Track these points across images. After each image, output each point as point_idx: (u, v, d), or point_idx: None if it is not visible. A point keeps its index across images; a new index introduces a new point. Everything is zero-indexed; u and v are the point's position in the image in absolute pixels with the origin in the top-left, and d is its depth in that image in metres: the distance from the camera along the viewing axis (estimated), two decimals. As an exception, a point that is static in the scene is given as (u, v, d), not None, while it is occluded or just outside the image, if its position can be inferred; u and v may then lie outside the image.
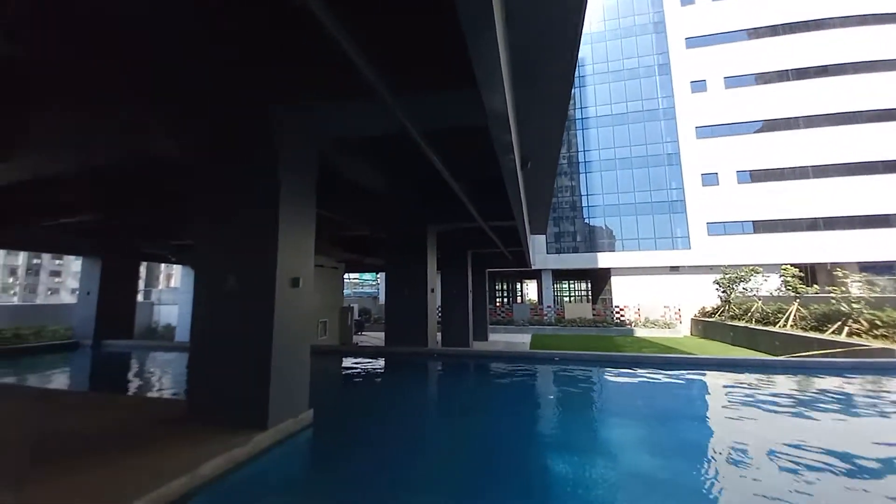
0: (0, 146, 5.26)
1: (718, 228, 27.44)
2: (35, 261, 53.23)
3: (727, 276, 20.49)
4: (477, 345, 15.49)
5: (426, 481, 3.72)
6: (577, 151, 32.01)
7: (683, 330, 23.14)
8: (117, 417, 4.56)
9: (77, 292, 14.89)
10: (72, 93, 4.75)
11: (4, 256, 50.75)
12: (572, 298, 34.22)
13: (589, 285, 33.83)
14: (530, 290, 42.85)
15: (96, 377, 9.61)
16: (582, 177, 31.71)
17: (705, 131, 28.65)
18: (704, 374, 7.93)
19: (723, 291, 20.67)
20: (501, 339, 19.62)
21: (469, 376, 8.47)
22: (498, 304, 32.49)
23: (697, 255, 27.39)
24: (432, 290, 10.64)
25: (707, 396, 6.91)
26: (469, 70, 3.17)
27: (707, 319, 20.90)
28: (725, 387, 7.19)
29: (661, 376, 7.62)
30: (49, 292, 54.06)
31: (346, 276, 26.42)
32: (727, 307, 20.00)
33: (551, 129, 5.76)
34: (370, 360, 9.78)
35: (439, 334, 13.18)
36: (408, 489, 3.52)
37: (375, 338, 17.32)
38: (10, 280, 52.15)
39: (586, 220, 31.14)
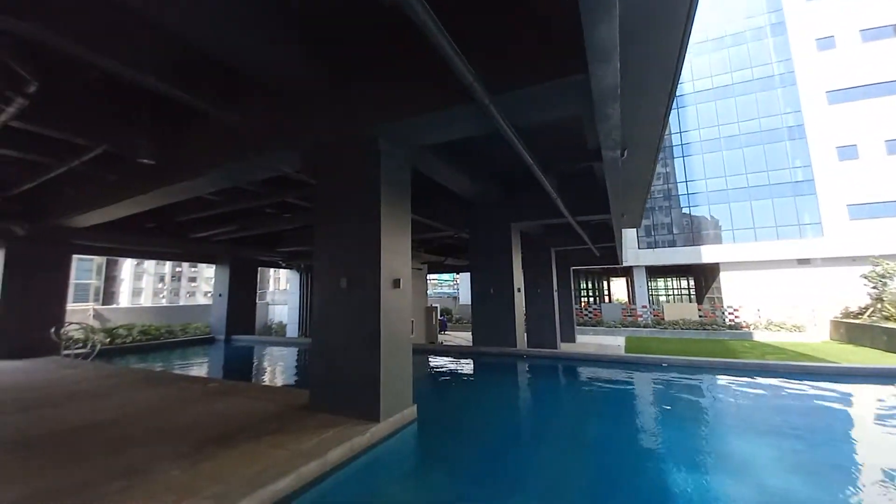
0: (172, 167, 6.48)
1: (863, 211, 22.54)
2: (177, 269, 64.50)
3: (880, 270, 16.70)
4: (564, 346, 14.81)
5: (531, 478, 3.63)
6: (672, 134, 28.86)
7: (819, 334, 19.42)
8: (252, 402, 5.24)
9: (210, 295, 17.58)
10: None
11: (155, 266, 62.31)
12: (671, 297, 30.97)
13: (691, 283, 30.30)
14: (618, 288, 39.84)
15: (230, 366, 11.26)
16: (678, 162, 28.51)
17: (839, 96, 23.77)
18: (856, 386, 6.54)
19: (873, 287, 16.90)
20: (590, 341, 18.52)
21: (564, 379, 8.10)
22: (584, 303, 30.75)
23: (834, 245, 22.81)
24: (519, 290, 10.44)
25: (864, 413, 5.66)
26: (569, 56, 3.01)
27: (852, 321, 17.25)
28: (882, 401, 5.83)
29: (796, 386, 6.46)
30: (188, 295, 65.06)
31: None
32: (879, 306, 16.30)
33: (656, 106, 5.22)
34: (459, 360, 9.91)
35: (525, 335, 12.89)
36: (514, 482, 3.47)
37: (458, 337, 17.58)
38: (160, 285, 63.88)
39: (685, 210, 27.89)
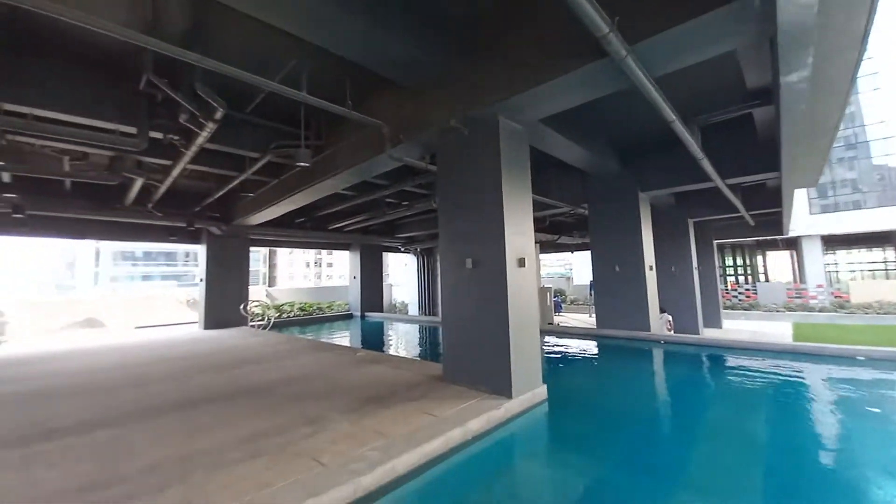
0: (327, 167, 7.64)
1: None
2: (318, 256, 75.71)
3: None
4: (708, 333, 12.88)
5: (693, 472, 3.25)
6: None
7: None
8: (394, 371, 5.87)
9: (342, 277, 20.21)
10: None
11: (303, 254, 74.13)
12: (858, 275, 24.21)
13: (888, 254, 23.14)
14: (777, 264, 32.64)
15: (369, 338, 12.83)
16: (861, 99, 21.60)
17: None
18: None
19: None
20: (742, 327, 15.70)
21: (713, 369, 7.05)
22: (731, 283, 26.11)
23: None
24: (651, 268, 9.37)
25: None
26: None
27: None
28: None
29: None
30: (327, 277, 76.04)
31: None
32: None
33: (851, 19, 3.96)
34: (582, 343, 9.44)
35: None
36: (670, 475, 3.15)
37: (574, 319, 16.75)
38: (306, 270, 75.90)
39: (875, 161, 21.17)
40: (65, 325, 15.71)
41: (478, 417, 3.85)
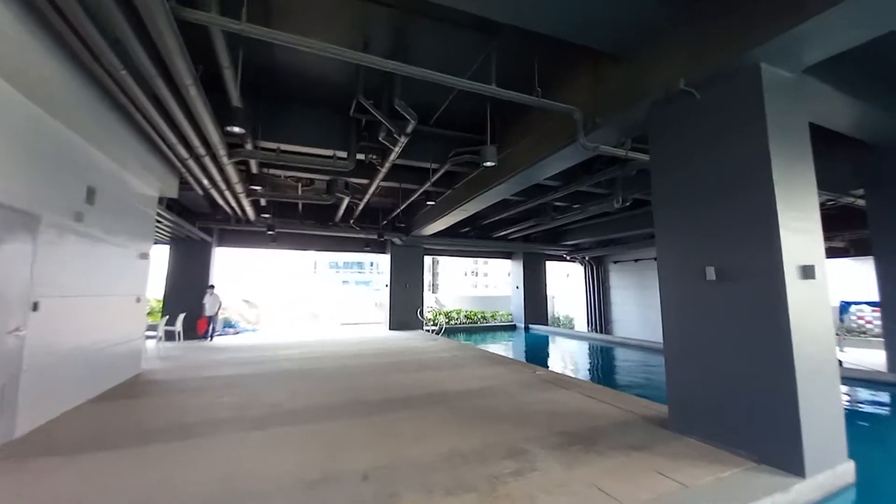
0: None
1: None
2: (475, 265, 79.46)
3: None
4: None
5: None
6: None
7: None
8: (589, 401, 4.90)
9: (493, 287, 19.95)
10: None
11: (461, 262, 78.99)
12: None
13: None
14: None
15: (540, 354, 12.02)
16: None
17: None
18: None
19: None
20: None
21: None
22: None
23: None
24: None
25: None
26: None
27: None
28: None
29: None
30: (485, 287, 78.92)
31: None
32: None
33: None
34: (868, 392, 6.40)
35: None
36: None
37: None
38: (464, 278, 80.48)
39: None
40: (298, 317, 20.33)
41: (758, 502, 2.60)
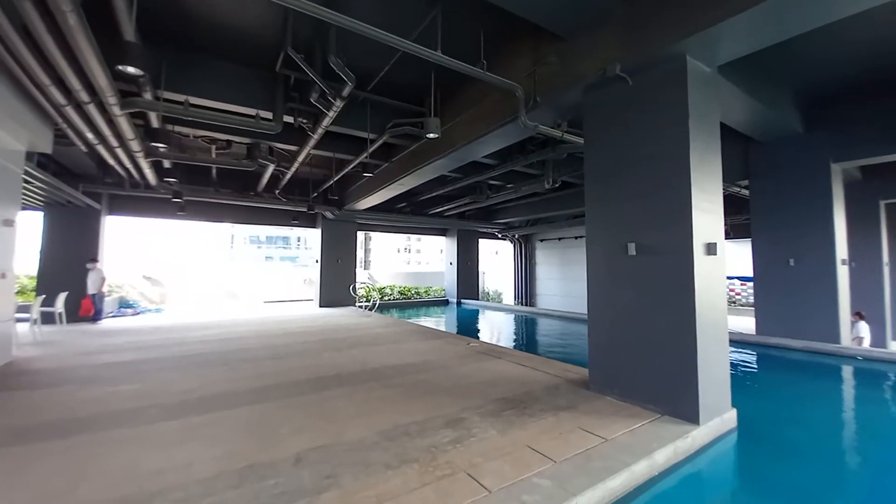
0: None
1: None
2: (407, 242, 79.07)
3: None
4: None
5: None
6: None
7: None
8: (521, 368, 5.19)
9: (427, 263, 20.15)
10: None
11: (394, 239, 78.05)
12: None
13: None
14: None
15: (472, 327, 12.45)
16: None
17: None
18: None
19: None
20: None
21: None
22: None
23: None
24: (844, 262, 7.19)
25: None
26: None
27: None
28: None
29: None
30: (417, 263, 79.15)
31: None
32: None
33: None
34: (741, 353, 7.69)
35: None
36: None
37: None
38: (397, 254, 79.90)
39: None
40: (211, 297, 18.46)
41: (663, 448, 2.97)
